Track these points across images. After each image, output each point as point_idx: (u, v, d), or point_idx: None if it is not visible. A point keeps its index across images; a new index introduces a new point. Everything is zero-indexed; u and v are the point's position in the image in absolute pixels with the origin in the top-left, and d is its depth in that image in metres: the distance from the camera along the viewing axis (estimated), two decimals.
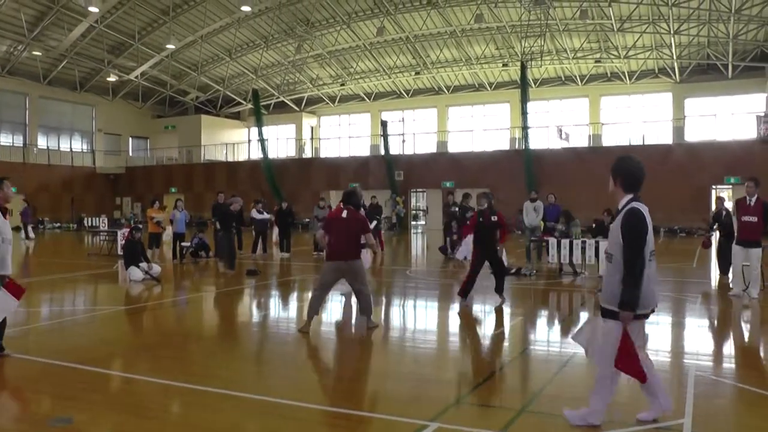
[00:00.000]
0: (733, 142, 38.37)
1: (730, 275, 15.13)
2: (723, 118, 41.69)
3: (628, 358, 5.32)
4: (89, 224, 41.18)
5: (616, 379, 5.60)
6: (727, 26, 37.37)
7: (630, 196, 5.45)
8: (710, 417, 5.75)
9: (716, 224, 16.21)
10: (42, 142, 51.64)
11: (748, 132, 38.20)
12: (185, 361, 8.24)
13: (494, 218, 12.35)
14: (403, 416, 5.95)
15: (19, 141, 49.98)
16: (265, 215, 23.81)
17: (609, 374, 5.52)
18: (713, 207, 16.78)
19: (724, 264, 15.99)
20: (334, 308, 12.31)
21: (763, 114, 38.35)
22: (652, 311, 5.59)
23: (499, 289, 12.43)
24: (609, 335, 5.41)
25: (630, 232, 5.26)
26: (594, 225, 17.80)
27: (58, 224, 47.41)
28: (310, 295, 9.98)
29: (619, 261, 5.30)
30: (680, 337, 10.15)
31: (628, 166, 5.54)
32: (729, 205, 18.52)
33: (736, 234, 13.09)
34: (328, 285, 10.08)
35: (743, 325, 11.18)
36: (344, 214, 9.84)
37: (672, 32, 38.15)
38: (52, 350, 8.47)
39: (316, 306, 9.88)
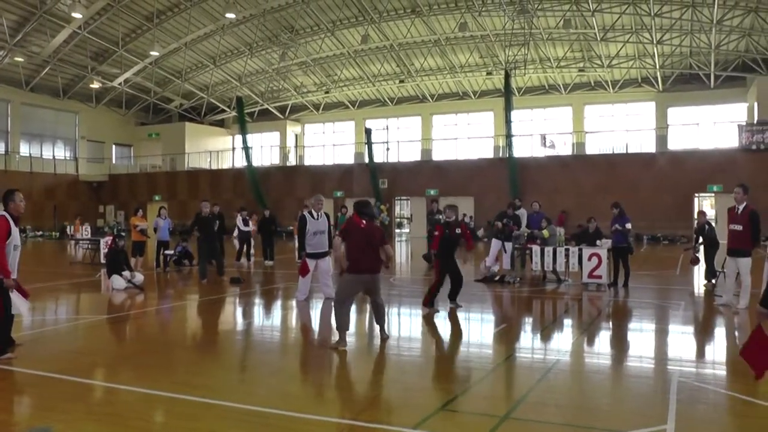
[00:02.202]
0: (715, 150, 38.70)
1: (715, 282, 15.24)
2: (705, 127, 42.05)
3: (755, 350, 5.24)
4: (72, 232, 40.90)
5: None
6: (708, 36, 37.73)
7: None
8: (693, 423, 5.77)
9: (699, 239, 16.27)
10: (24, 149, 51.33)
11: (730, 141, 38.57)
12: (168, 369, 8.18)
13: (458, 230, 12.75)
14: (387, 423, 5.94)
15: (0, 148, 49.64)
16: (249, 227, 23.80)
17: None
18: (695, 221, 16.81)
19: (709, 269, 16.10)
20: (317, 316, 12.26)
21: (744, 123, 38.74)
22: None
23: (452, 296, 12.80)
24: None
25: None
26: (578, 232, 17.87)
27: (41, 232, 47.09)
28: (333, 310, 9.55)
29: None
30: (663, 344, 10.18)
31: None
32: (712, 213, 18.62)
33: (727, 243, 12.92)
34: (351, 297, 9.69)
35: (727, 332, 11.22)
36: (363, 224, 9.62)
37: (654, 42, 38.45)
38: (34, 360, 8.38)
39: (347, 320, 9.52)
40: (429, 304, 12.42)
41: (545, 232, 17.26)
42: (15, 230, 8.41)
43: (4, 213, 8.38)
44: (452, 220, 12.86)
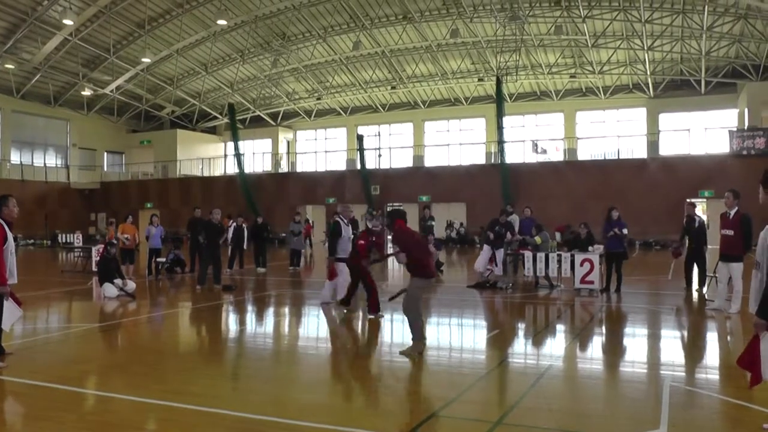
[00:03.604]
0: (706, 156, 38.87)
1: (704, 290, 15.24)
2: (696, 132, 42.24)
3: (749, 359, 5.27)
4: (63, 240, 40.73)
5: None
6: (699, 43, 37.94)
7: None
8: (685, 427, 5.78)
9: (686, 234, 16.12)
10: (15, 157, 51.13)
11: (721, 146, 38.77)
12: (160, 378, 8.15)
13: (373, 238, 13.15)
14: (378, 430, 5.93)
15: None
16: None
17: None
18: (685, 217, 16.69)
19: (688, 276, 16.05)
20: (311, 323, 12.25)
21: (735, 129, 38.93)
22: None
23: (373, 307, 12.71)
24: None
25: None
26: (570, 237, 17.89)
27: (32, 241, 46.88)
28: (410, 319, 9.35)
29: (766, 268, 5.27)
30: (656, 348, 10.21)
31: None
32: (704, 218, 18.51)
33: (719, 248, 12.90)
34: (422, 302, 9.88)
35: (719, 337, 11.25)
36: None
37: (645, 48, 38.63)
38: (25, 369, 8.33)
39: (423, 326, 9.60)
40: (375, 311, 12.56)
41: (537, 239, 17.30)
42: (10, 236, 8.43)
43: None
44: (378, 229, 13.53)
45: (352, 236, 14.27)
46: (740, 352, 5.64)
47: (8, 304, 8.45)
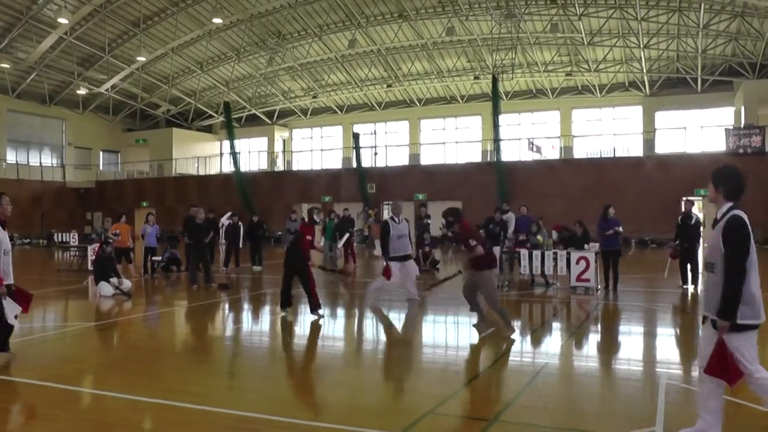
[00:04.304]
0: (702, 154, 38.81)
1: (699, 286, 15.27)
2: (692, 131, 42.24)
3: (720, 365, 5.29)
4: (59, 240, 40.65)
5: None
6: (695, 41, 37.99)
7: (731, 204, 5.45)
8: (681, 425, 5.78)
9: (681, 232, 16.11)
10: (11, 156, 51.02)
11: (717, 145, 38.74)
12: (156, 376, 8.14)
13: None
14: (375, 428, 5.93)
15: None
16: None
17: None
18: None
19: (684, 273, 16.06)
20: (305, 321, 12.24)
21: (731, 127, 38.96)
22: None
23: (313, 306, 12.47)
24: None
25: (734, 238, 5.24)
26: (566, 235, 17.89)
27: (28, 240, 46.76)
28: (495, 307, 10.45)
29: (721, 269, 5.28)
30: (652, 346, 10.23)
31: (732, 175, 5.55)
32: (700, 216, 18.47)
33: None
34: None
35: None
36: None
37: (641, 46, 38.65)
38: (21, 368, 8.33)
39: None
40: (284, 306, 12.57)
41: (540, 238, 17.29)
42: (4, 234, 8.38)
43: None
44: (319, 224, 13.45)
45: (406, 234, 14.18)
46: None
47: (7, 303, 8.36)
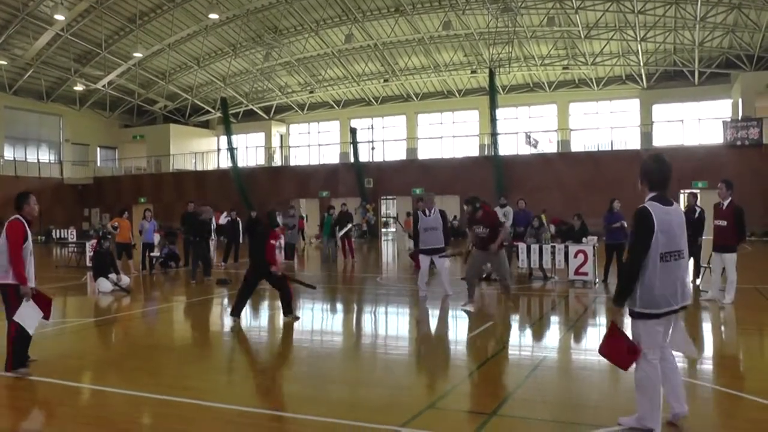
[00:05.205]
0: (700, 147, 38.78)
1: (698, 281, 15.24)
2: (690, 123, 42.21)
3: (608, 347, 5.51)
4: (57, 236, 40.59)
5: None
6: (692, 33, 37.98)
7: (651, 195, 5.49)
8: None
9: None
10: (8, 153, 50.93)
11: (715, 137, 38.75)
12: (156, 372, 8.15)
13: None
14: (374, 422, 5.94)
15: None
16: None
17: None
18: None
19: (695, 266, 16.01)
20: (305, 316, 12.26)
21: (729, 119, 38.96)
22: (671, 312, 5.51)
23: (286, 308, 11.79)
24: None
25: (635, 229, 5.32)
26: (564, 229, 17.92)
27: None
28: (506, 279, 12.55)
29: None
30: None
31: (652, 165, 5.60)
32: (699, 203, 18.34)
33: (713, 239, 12.90)
34: None
35: (713, 327, 11.28)
36: None
37: (638, 39, 38.66)
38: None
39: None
40: (237, 314, 11.65)
41: (546, 235, 17.32)
42: (29, 235, 8.05)
43: (19, 216, 8.04)
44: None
45: (438, 227, 13.76)
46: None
47: (29, 307, 7.90)
